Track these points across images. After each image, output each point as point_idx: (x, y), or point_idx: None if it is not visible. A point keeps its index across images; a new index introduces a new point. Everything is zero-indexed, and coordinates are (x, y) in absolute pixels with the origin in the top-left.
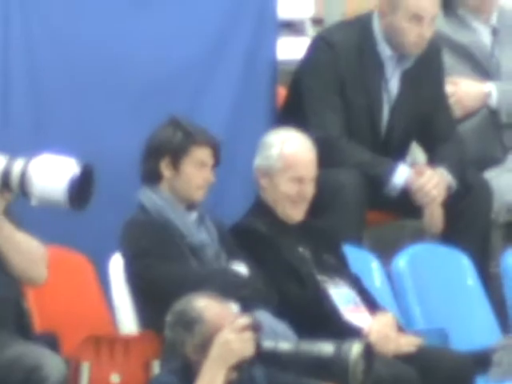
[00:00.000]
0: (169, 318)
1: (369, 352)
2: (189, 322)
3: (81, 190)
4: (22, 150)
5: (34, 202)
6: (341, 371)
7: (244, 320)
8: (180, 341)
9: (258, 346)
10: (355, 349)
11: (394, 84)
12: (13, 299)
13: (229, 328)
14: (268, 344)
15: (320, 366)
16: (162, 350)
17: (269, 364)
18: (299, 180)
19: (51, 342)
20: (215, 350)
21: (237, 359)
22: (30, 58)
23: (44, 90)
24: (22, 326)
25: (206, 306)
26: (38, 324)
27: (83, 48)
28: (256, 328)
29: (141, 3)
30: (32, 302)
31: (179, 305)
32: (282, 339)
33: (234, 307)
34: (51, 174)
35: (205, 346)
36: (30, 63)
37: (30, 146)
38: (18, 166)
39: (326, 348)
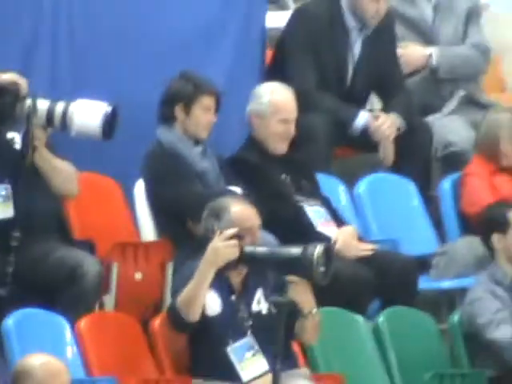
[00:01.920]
0: (204, 212)
1: (329, 251)
2: (218, 212)
3: (110, 124)
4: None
5: (73, 134)
6: (306, 267)
7: (230, 230)
8: (211, 228)
9: (241, 251)
10: (318, 249)
11: (357, 47)
12: (55, 212)
13: (218, 237)
14: (248, 249)
15: (290, 263)
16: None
17: (249, 264)
18: (284, 121)
19: (89, 247)
20: (207, 255)
21: (224, 261)
22: (72, 30)
23: (83, 54)
24: (64, 235)
25: (232, 201)
26: (77, 233)
27: (114, 19)
28: (240, 236)
29: None
30: (73, 216)
31: (213, 202)
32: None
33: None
34: (88, 111)
35: (241, 233)
36: (72, 34)
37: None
38: (60, 106)
39: (295, 250)
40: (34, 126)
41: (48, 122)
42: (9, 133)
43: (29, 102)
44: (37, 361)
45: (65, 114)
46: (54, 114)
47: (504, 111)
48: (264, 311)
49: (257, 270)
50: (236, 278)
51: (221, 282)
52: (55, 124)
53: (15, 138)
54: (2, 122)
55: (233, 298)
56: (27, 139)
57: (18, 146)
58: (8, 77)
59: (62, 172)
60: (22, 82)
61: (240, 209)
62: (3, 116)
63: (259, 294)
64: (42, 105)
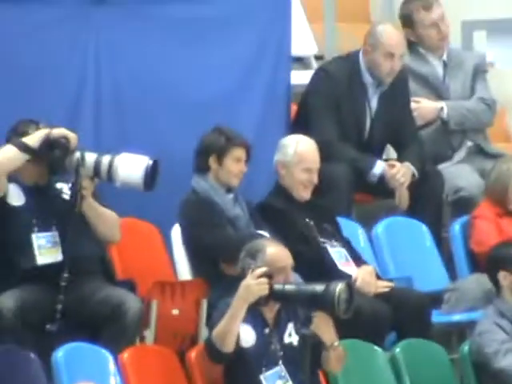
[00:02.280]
0: (242, 253)
1: (350, 289)
2: (254, 253)
3: (151, 177)
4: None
5: (117, 185)
6: (328, 302)
7: (261, 269)
8: (247, 267)
9: (271, 288)
10: (339, 286)
11: (374, 103)
12: (100, 255)
13: (249, 275)
14: (278, 286)
15: (315, 299)
16: (207, 293)
17: (279, 300)
18: (308, 170)
19: (130, 286)
20: (239, 292)
21: (255, 298)
22: (116, 89)
23: (126, 110)
24: (108, 275)
25: (267, 243)
26: (120, 274)
27: (153, 81)
28: (270, 275)
29: (193, 48)
30: (116, 258)
31: (250, 244)
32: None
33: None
34: (131, 164)
35: (271, 272)
36: (116, 93)
37: (115, 151)
38: (106, 159)
39: (319, 286)
40: (83, 177)
41: (95, 174)
42: (58, 183)
43: (77, 154)
44: None
45: (110, 166)
46: (101, 166)
47: None
48: (294, 343)
49: (287, 305)
50: (269, 312)
51: (255, 317)
52: (102, 175)
53: (63, 188)
54: (53, 174)
55: (266, 331)
56: (76, 189)
57: (65, 196)
58: (59, 131)
59: (106, 219)
60: (72, 136)
61: (274, 250)
62: (54, 168)
63: (290, 327)
64: (90, 157)
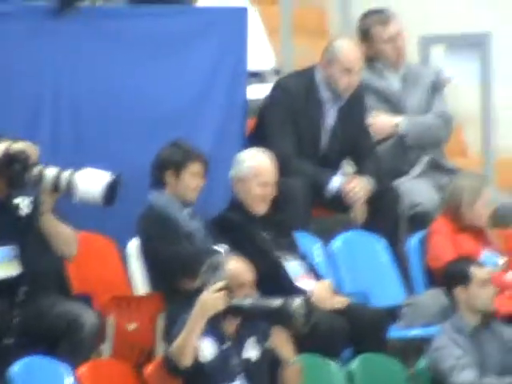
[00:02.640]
0: (203, 267)
1: (308, 304)
2: (215, 267)
3: (111, 192)
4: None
5: (76, 200)
6: (286, 317)
7: (218, 284)
8: (207, 282)
9: (228, 303)
10: (297, 301)
11: (331, 117)
12: (57, 270)
13: (206, 290)
14: (235, 301)
15: (272, 314)
16: (164, 307)
17: (236, 315)
18: (264, 184)
19: (86, 300)
20: (197, 307)
21: (212, 312)
22: (75, 103)
23: (84, 126)
24: (64, 289)
25: (228, 258)
26: (76, 288)
27: (111, 96)
28: (228, 289)
29: (148, 65)
30: (72, 271)
31: (211, 258)
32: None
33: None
34: (92, 180)
35: (228, 286)
36: (74, 107)
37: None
38: (66, 174)
39: (276, 302)
40: (42, 192)
41: (54, 188)
42: (16, 198)
43: (37, 169)
44: None
45: (70, 181)
46: (60, 181)
47: (467, 178)
48: (253, 358)
49: (246, 320)
50: (229, 327)
51: (215, 331)
52: (61, 190)
53: (21, 203)
54: (12, 188)
55: (225, 345)
56: (36, 204)
57: (22, 211)
58: (19, 145)
59: (63, 235)
60: (32, 151)
61: (236, 265)
62: (13, 183)
63: (251, 342)
64: (50, 172)
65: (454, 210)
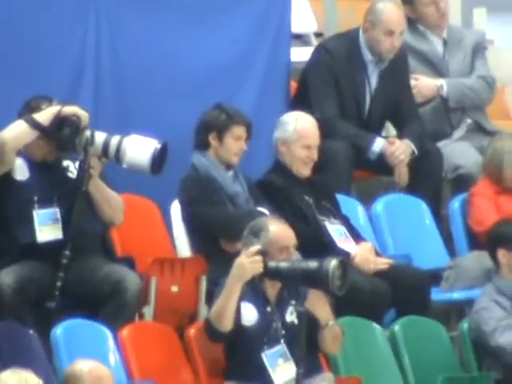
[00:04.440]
0: (245, 231)
1: (344, 265)
2: (257, 231)
3: (159, 161)
4: (110, 131)
5: (124, 166)
6: (322, 280)
7: (255, 247)
8: (250, 245)
9: (265, 266)
10: (333, 262)
11: (373, 80)
12: (101, 233)
13: (243, 253)
14: (272, 264)
15: (308, 277)
16: (207, 270)
17: (273, 278)
18: (308, 147)
19: (130, 263)
20: (233, 270)
21: (249, 276)
22: (117, 64)
23: (126, 86)
24: (107, 253)
25: (271, 222)
26: (119, 250)
27: (154, 57)
28: (264, 253)
29: (194, 24)
30: (115, 235)
31: (253, 222)
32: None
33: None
34: (140, 147)
35: (266, 250)
36: (116, 68)
37: (116, 129)
38: (115, 139)
39: (312, 263)
40: (91, 156)
41: (103, 154)
42: (65, 161)
43: (87, 133)
44: (85, 366)
45: (119, 147)
46: (110, 146)
47: (507, 139)
48: (296, 322)
49: (285, 283)
50: (271, 291)
51: (257, 295)
52: (110, 156)
53: (70, 166)
54: (62, 151)
55: (268, 309)
56: (84, 168)
57: (70, 174)
58: (70, 109)
59: (111, 201)
60: (83, 115)
61: (277, 229)
62: (63, 146)
63: (292, 305)
64: (99, 137)
65: (495, 172)
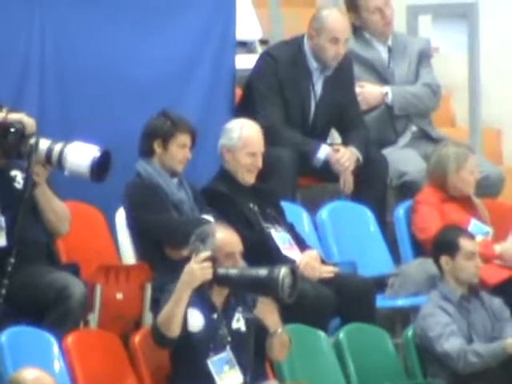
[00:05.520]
0: (192, 237)
1: (293, 273)
2: (204, 237)
3: (100, 168)
4: (55, 137)
5: (66, 173)
6: (272, 287)
7: (204, 253)
8: (196, 251)
9: (214, 272)
10: (283, 270)
11: (318, 87)
12: (45, 240)
13: (193, 260)
14: (221, 270)
15: (258, 284)
16: (152, 277)
17: (222, 285)
18: (253, 154)
19: (74, 270)
20: (183, 276)
21: (198, 282)
22: (61, 72)
23: (70, 94)
24: (52, 259)
25: (217, 228)
26: (64, 257)
27: (99, 64)
28: (213, 259)
29: (139, 30)
30: (60, 241)
31: (200, 228)
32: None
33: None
34: (80, 155)
35: (215, 256)
36: (60, 76)
37: (60, 135)
38: (58, 146)
39: (262, 271)
40: (36, 164)
41: (47, 160)
42: (13, 170)
43: (32, 140)
44: (29, 375)
45: (61, 154)
46: (52, 153)
47: (452, 145)
48: (243, 329)
49: (233, 290)
50: (218, 297)
51: (204, 301)
52: (53, 162)
53: (18, 176)
54: (8, 158)
55: (214, 315)
56: (27, 175)
57: (17, 184)
58: (15, 116)
59: (58, 210)
60: (29, 122)
61: (223, 235)
62: (8, 153)
63: (239, 312)
64: (43, 144)
65: (439, 179)
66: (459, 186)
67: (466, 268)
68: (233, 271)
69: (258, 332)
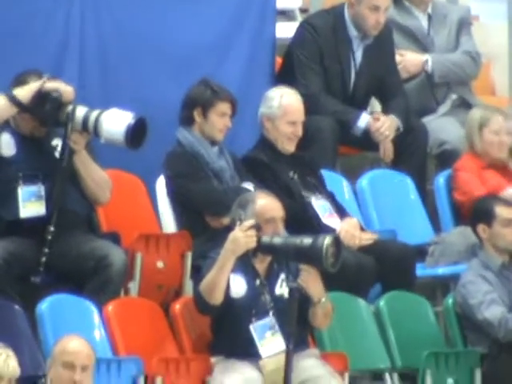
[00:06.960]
0: (233, 204)
1: (337, 242)
2: (245, 204)
3: (135, 135)
4: (94, 106)
5: (102, 141)
6: (316, 256)
7: (249, 221)
8: (238, 218)
9: (259, 241)
10: (327, 239)
11: (358, 55)
12: (86, 209)
13: (237, 227)
14: (266, 239)
15: (302, 253)
16: (192, 245)
17: (266, 253)
18: (293, 123)
19: (114, 238)
20: (227, 244)
21: (243, 250)
22: (101, 41)
23: (111, 63)
24: (92, 228)
25: (258, 195)
26: (104, 226)
27: (139, 34)
28: (258, 227)
29: (179, 1)
30: (100, 210)
31: (242, 195)
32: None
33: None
34: (115, 122)
35: (259, 224)
36: (101, 45)
37: (100, 104)
38: (94, 114)
39: (306, 240)
40: (72, 131)
41: (83, 128)
42: (54, 139)
43: (69, 108)
44: (71, 343)
45: (97, 121)
46: (89, 120)
47: (480, 107)
48: (286, 295)
49: (276, 258)
50: (261, 264)
51: (247, 268)
52: (89, 130)
53: (58, 145)
54: (45, 127)
55: (257, 282)
56: (64, 143)
57: (58, 153)
58: (52, 85)
59: (97, 178)
60: (67, 90)
61: (265, 201)
62: (45, 121)
63: (282, 279)
64: (80, 112)
65: (470, 143)
66: (485, 148)
67: (503, 235)
68: (277, 240)
69: (302, 301)
